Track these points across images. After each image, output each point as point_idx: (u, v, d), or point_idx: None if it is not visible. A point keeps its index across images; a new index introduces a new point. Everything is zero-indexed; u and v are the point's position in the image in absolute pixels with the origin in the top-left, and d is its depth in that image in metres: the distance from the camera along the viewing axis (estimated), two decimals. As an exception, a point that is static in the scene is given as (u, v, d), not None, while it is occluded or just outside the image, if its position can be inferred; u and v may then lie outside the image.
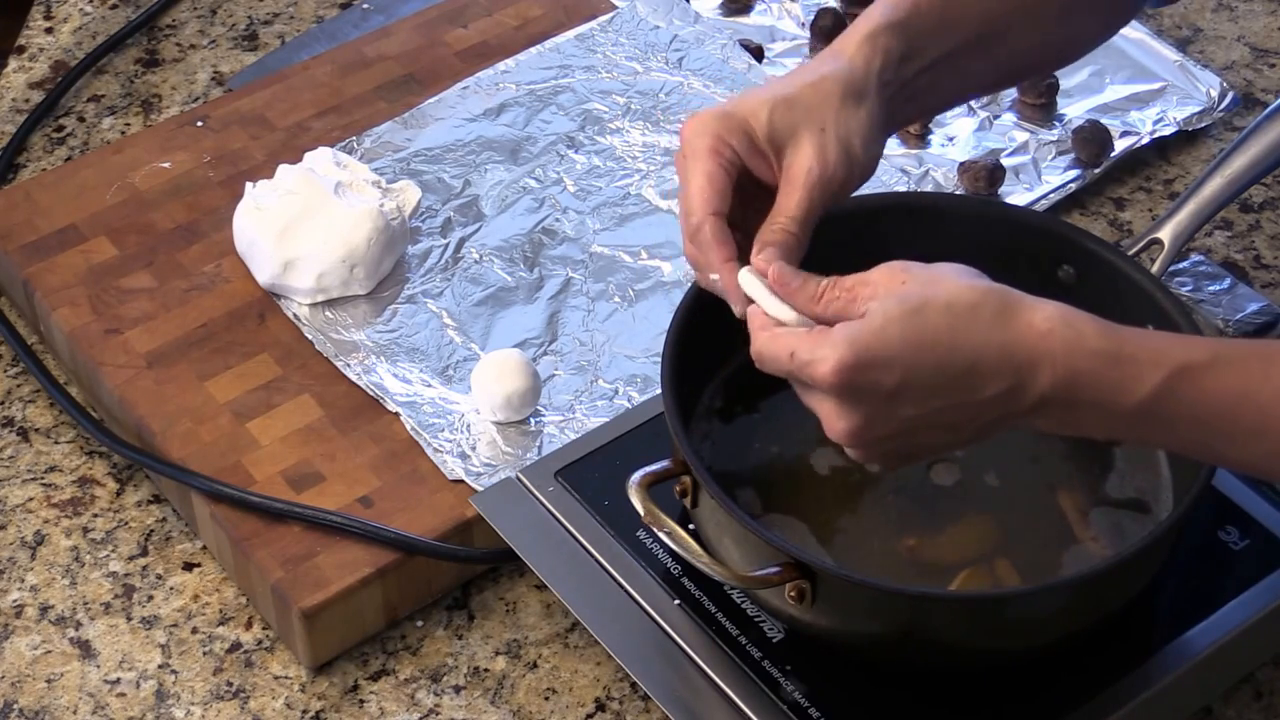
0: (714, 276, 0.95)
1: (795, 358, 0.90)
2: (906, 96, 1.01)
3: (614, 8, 1.44)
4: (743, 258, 0.96)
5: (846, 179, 0.97)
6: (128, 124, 1.40)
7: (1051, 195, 1.33)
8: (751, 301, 0.94)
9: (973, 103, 1.39)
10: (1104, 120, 1.37)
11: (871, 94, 0.98)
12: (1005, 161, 1.34)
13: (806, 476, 1.05)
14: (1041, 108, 1.39)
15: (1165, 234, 1.10)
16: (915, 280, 0.90)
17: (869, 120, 0.97)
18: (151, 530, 1.16)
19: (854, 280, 0.91)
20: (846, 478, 1.04)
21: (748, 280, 0.94)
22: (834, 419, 0.90)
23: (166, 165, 1.31)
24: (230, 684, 1.08)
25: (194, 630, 1.10)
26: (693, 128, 0.97)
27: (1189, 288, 1.24)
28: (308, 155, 1.26)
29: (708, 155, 0.96)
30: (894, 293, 0.89)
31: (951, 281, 0.90)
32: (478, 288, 1.24)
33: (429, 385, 1.17)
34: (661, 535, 0.96)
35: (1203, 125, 1.39)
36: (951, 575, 1.00)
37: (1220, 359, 0.89)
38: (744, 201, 0.97)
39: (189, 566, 1.14)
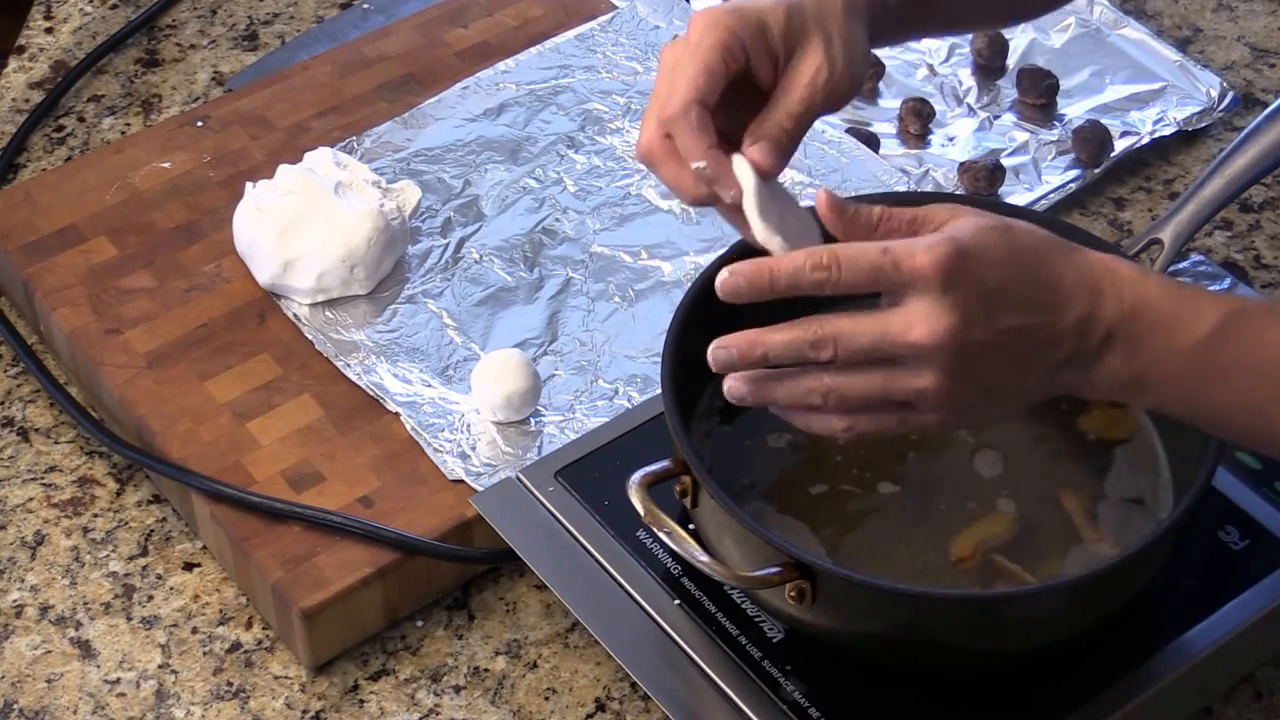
0: (699, 164, 0.93)
1: (890, 251, 0.86)
2: (891, 21, 1.01)
3: (614, 8, 1.44)
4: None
5: (846, 90, 0.97)
6: (128, 124, 1.40)
7: (1051, 195, 1.33)
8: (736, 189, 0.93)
9: (972, 103, 1.39)
10: (1104, 120, 1.37)
11: (863, 10, 0.98)
12: (1005, 161, 1.34)
13: (807, 476, 1.05)
14: (1041, 108, 1.39)
15: (1165, 234, 1.10)
16: (985, 214, 0.90)
17: (863, 35, 0.98)
18: (151, 530, 1.16)
19: (914, 213, 0.90)
20: (848, 478, 1.04)
21: (741, 168, 0.93)
22: (930, 317, 0.86)
23: (166, 165, 1.31)
24: (230, 684, 1.08)
25: (194, 630, 1.10)
26: (705, 20, 0.95)
27: (1189, 288, 1.24)
28: (308, 155, 1.26)
29: (715, 49, 0.94)
30: (968, 215, 0.89)
31: (1020, 222, 0.91)
32: (478, 288, 1.24)
33: (429, 385, 1.17)
34: (661, 535, 0.96)
35: (1203, 125, 1.39)
36: (956, 575, 1.00)
37: (1277, 311, 0.90)
38: (725, 105, 0.96)
39: (189, 566, 1.14)
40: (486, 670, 1.09)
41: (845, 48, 0.96)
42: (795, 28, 0.96)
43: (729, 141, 0.95)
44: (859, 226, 0.90)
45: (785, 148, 0.95)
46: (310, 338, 1.20)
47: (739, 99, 0.96)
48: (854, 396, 0.89)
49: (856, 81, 0.97)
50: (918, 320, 0.86)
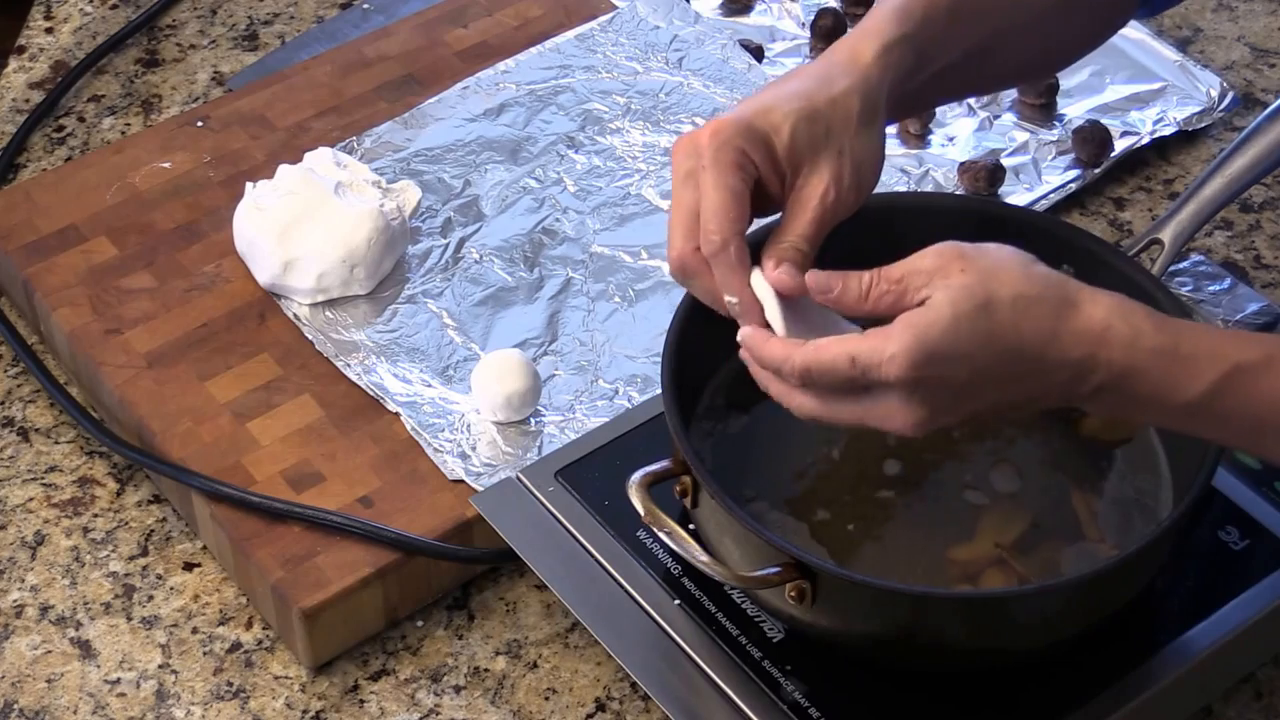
0: (732, 299, 0.94)
1: (858, 362, 0.88)
2: (906, 105, 1.01)
3: (614, 8, 1.44)
4: None
5: (853, 204, 0.97)
6: (128, 124, 1.40)
7: (1051, 195, 1.33)
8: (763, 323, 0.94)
9: (973, 102, 1.39)
10: (1104, 120, 1.37)
11: (882, 112, 0.97)
12: (1005, 161, 1.34)
13: (807, 475, 1.05)
14: (1041, 108, 1.39)
15: (1165, 234, 1.10)
16: (974, 269, 0.89)
17: (879, 142, 0.97)
18: (151, 530, 1.16)
19: (902, 270, 0.90)
20: (848, 476, 1.04)
21: (761, 286, 0.94)
22: (900, 414, 0.89)
23: (166, 165, 1.31)
24: (230, 684, 1.08)
25: (194, 630, 1.10)
26: (715, 137, 0.94)
27: (1189, 288, 1.24)
28: (308, 155, 1.26)
29: (732, 169, 0.94)
30: (955, 283, 0.88)
31: (1014, 272, 0.90)
32: (478, 288, 1.24)
33: (429, 385, 1.17)
34: (661, 535, 0.96)
35: (1203, 125, 1.39)
36: (958, 574, 1.00)
37: (1275, 359, 0.89)
38: None
39: (189, 566, 1.14)
40: (486, 670, 1.09)
41: (854, 164, 0.95)
42: (804, 144, 0.95)
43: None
44: (849, 299, 0.91)
45: (804, 268, 0.95)
46: (310, 338, 1.20)
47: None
48: (826, 419, 0.92)
49: (866, 193, 0.97)
50: (889, 412, 0.89)
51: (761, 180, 0.96)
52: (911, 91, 1.00)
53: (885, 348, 0.87)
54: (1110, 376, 0.89)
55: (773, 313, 0.93)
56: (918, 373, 0.87)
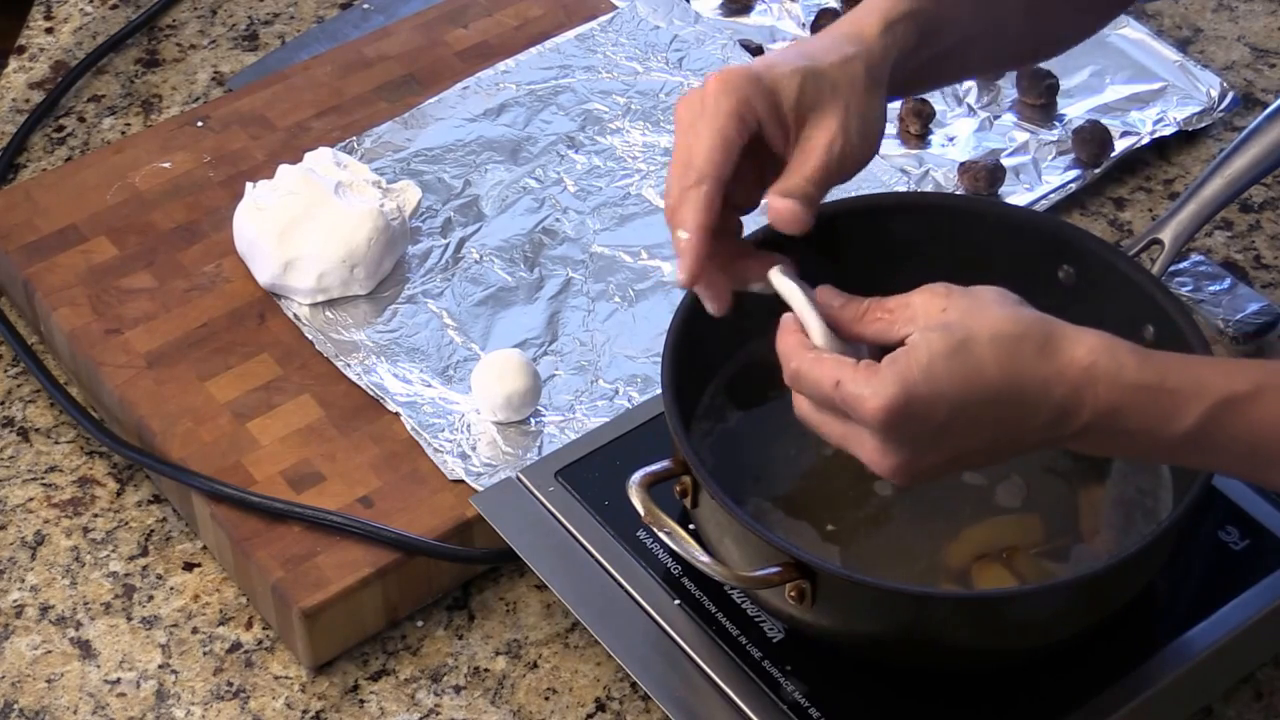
0: (684, 235, 0.93)
1: (840, 388, 0.88)
2: (907, 83, 1.01)
3: (614, 8, 1.44)
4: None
5: (858, 162, 0.97)
6: (128, 124, 1.40)
7: (1051, 195, 1.33)
8: (698, 276, 0.93)
9: (972, 102, 1.39)
10: (1104, 120, 1.37)
11: (885, 85, 0.98)
12: (1005, 161, 1.34)
13: (807, 475, 1.05)
14: (1041, 108, 1.39)
15: (1165, 234, 1.10)
16: (956, 308, 0.89)
17: (883, 110, 0.98)
18: (151, 530, 1.16)
19: (895, 303, 0.91)
20: (848, 476, 1.04)
21: (782, 282, 0.94)
22: (877, 455, 0.89)
23: (166, 165, 1.31)
24: (230, 684, 1.08)
25: (194, 630, 1.10)
26: (720, 84, 0.94)
27: (1189, 288, 1.24)
28: (308, 155, 1.26)
29: (730, 116, 0.93)
30: (936, 322, 0.89)
31: (994, 311, 0.89)
32: (478, 288, 1.24)
33: (429, 385, 1.17)
34: (661, 535, 0.96)
35: (1203, 125, 1.39)
36: (958, 571, 1.00)
37: (1264, 388, 0.88)
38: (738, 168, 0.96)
39: (189, 566, 1.14)
40: (486, 670, 1.09)
41: (861, 123, 0.95)
42: (809, 98, 0.95)
43: (727, 202, 0.95)
44: (846, 316, 0.93)
45: (811, 208, 0.95)
46: (310, 338, 1.20)
47: (745, 162, 0.96)
48: (815, 427, 0.92)
49: (869, 154, 0.97)
50: (868, 450, 0.89)
51: (765, 135, 0.95)
52: (912, 70, 1.00)
53: (866, 388, 0.87)
54: (1096, 415, 0.88)
55: (807, 314, 0.93)
56: (892, 417, 0.87)
